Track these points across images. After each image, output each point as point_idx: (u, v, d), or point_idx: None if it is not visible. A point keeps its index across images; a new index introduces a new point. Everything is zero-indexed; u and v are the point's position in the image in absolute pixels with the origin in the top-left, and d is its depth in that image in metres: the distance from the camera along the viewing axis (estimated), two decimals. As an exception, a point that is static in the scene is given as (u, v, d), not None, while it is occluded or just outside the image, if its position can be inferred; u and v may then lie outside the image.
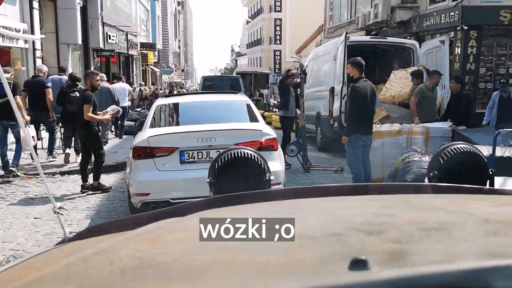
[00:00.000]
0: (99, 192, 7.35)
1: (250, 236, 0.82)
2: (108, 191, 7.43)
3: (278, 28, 48.07)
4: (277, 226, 0.83)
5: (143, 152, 5.38)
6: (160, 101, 7.06)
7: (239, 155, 2.27)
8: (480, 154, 2.30)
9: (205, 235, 0.84)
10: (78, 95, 8.38)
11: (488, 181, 2.33)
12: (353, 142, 6.19)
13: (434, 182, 2.18)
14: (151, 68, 35.53)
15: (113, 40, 19.85)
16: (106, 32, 18.87)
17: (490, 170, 2.33)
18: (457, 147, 2.28)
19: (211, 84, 18.64)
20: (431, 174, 2.31)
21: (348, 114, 6.35)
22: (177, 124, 6.35)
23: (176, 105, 6.83)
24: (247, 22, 61.56)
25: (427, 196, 1.35)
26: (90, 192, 7.29)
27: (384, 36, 10.84)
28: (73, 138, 9.33)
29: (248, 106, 6.51)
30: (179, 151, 5.40)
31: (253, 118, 6.16)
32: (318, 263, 0.68)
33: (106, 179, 8.16)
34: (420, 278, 0.55)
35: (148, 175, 5.33)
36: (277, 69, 44.91)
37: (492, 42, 13.86)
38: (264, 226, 0.85)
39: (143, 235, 1.01)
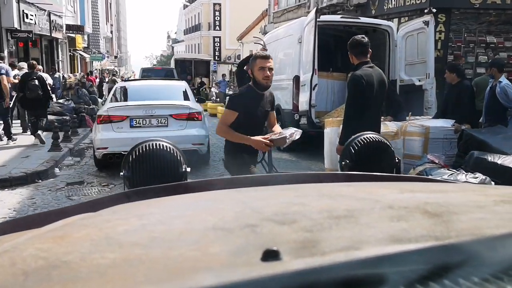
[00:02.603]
0: None
1: (162, 230, 0.83)
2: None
3: (217, 13, 45.99)
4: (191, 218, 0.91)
5: (104, 119, 7.61)
6: (118, 84, 10.00)
7: (154, 147, 2.22)
8: (388, 143, 2.46)
9: (115, 231, 0.85)
10: (37, 83, 9.82)
11: (394, 169, 2.48)
12: None
13: (346, 171, 2.26)
14: (80, 54, 32.52)
15: (31, 19, 17.14)
16: (23, 10, 16.17)
17: (396, 158, 2.51)
18: (367, 137, 2.41)
19: (149, 75, 20.62)
20: (343, 163, 2.37)
21: (344, 114, 4.56)
22: (129, 100, 8.29)
23: (129, 87, 9.03)
24: (185, 6, 59.02)
25: (338, 184, 1.40)
26: None
27: (357, 16, 9.18)
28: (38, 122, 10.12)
29: (182, 88, 8.96)
30: (129, 119, 7.65)
31: (186, 98, 8.54)
32: (231, 256, 0.66)
33: (8, 199, 6.03)
34: (329, 265, 0.56)
35: (107, 134, 7.53)
36: (216, 57, 43.01)
37: (460, 28, 12.67)
38: (178, 220, 0.91)
39: (50, 233, 0.94)
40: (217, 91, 24.80)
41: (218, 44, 45.41)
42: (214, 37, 45.98)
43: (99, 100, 18.72)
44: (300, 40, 8.84)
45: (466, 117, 6.51)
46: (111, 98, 8.63)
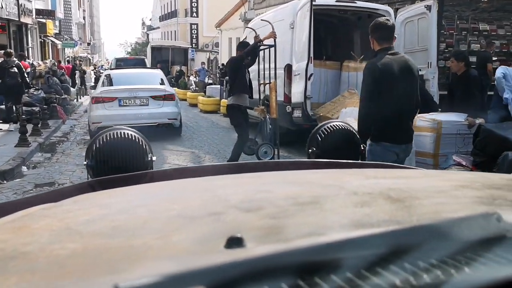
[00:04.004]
0: None
1: (124, 219, 0.82)
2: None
3: (194, -1, 44.86)
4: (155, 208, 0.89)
5: (97, 100, 9.74)
6: (106, 72, 12.61)
7: (118, 135, 2.14)
8: (353, 131, 2.48)
9: (76, 221, 0.84)
10: (16, 70, 11.00)
11: (360, 156, 2.51)
12: (374, 154, 3.82)
13: (313, 158, 2.31)
14: (51, 40, 31.16)
15: (-3, 3, 16.03)
16: (-13, -7, 15.08)
17: (361, 146, 2.58)
18: (333, 125, 2.43)
19: (121, 64, 21.67)
20: (310, 150, 2.39)
21: (358, 109, 3.92)
22: (117, 84, 10.30)
23: (116, 74, 11.37)
24: (160, -8, 57.52)
25: (304, 171, 1.38)
26: None
27: (353, 0, 8.52)
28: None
29: (159, 76, 11.40)
30: (118, 99, 9.73)
31: (162, 83, 10.82)
32: (195, 244, 0.65)
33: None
34: (292, 251, 0.55)
35: (100, 111, 9.55)
36: (194, 44, 41.94)
37: (453, 14, 12.14)
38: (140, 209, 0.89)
39: (9, 224, 0.91)
40: (196, 80, 23.95)
41: (196, 31, 44.30)
42: (191, 24, 44.79)
43: (72, 89, 17.75)
44: (292, 26, 8.16)
45: (478, 110, 5.94)
46: (102, 83, 10.74)
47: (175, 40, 44.38)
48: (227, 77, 7.67)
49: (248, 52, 6.60)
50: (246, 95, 6.66)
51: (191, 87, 22.58)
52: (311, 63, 7.46)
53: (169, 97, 10.16)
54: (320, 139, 2.37)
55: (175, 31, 48.38)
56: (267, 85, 7.34)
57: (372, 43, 3.79)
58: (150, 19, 74.49)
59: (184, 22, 45.83)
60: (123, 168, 2.01)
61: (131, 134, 2.19)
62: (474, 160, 5.30)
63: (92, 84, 24.39)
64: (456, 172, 1.47)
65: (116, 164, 2.09)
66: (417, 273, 0.51)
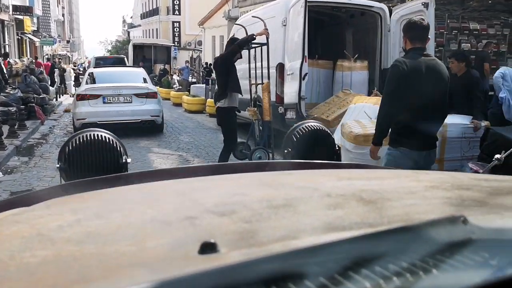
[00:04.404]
0: None
1: (98, 225, 0.80)
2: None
3: (176, -3, 44.26)
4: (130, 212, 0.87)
5: (82, 97, 10.10)
6: (89, 70, 12.32)
7: (92, 138, 2.13)
8: (328, 131, 2.49)
9: (47, 227, 0.82)
10: None
11: (335, 155, 2.47)
12: (390, 159, 3.54)
13: (289, 159, 2.29)
14: (29, 38, 30.30)
15: (-29, -2, 15.36)
16: (-39, -13, 14.42)
17: (336, 145, 2.53)
18: (308, 125, 2.44)
19: (101, 63, 21.20)
20: (285, 151, 2.39)
21: (379, 109, 3.71)
22: (101, 82, 10.54)
23: (100, 72, 11.49)
24: (141, -10, 56.69)
25: (279, 173, 1.38)
26: None
27: (345, -4, 8.20)
28: None
29: (141, 74, 11.57)
30: (102, 97, 10.05)
31: (144, 81, 11.10)
32: (169, 250, 0.65)
33: None
34: (266, 255, 0.55)
35: (85, 108, 9.90)
36: (176, 42, 41.37)
37: (443, 13, 11.93)
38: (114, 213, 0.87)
39: None
40: (179, 79, 23.45)
41: (178, 29, 43.79)
42: (173, 22, 44.28)
43: (51, 88, 17.15)
44: (284, 23, 7.79)
45: (483, 112, 5.67)
46: (86, 81, 11.04)
47: (157, 38, 43.76)
48: (215, 76, 7.12)
49: (242, 44, 6.19)
50: (238, 95, 6.25)
51: (174, 86, 22.09)
52: (305, 62, 7.11)
53: (151, 95, 10.52)
54: (295, 139, 2.38)
55: (157, 29, 47.75)
56: (259, 86, 6.97)
57: (404, 42, 3.64)
58: (131, 17, 73.65)
59: (166, 20, 45.28)
60: (97, 170, 1.99)
61: (104, 136, 2.15)
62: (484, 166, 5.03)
63: (73, 82, 23.81)
64: (428, 172, 1.50)
65: (90, 166, 2.06)
66: (388, 277, 0.51)
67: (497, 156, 2.98)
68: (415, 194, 0.93)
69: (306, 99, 7.74)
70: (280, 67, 7.79)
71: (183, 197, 0.98)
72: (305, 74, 7.12)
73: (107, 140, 2.15)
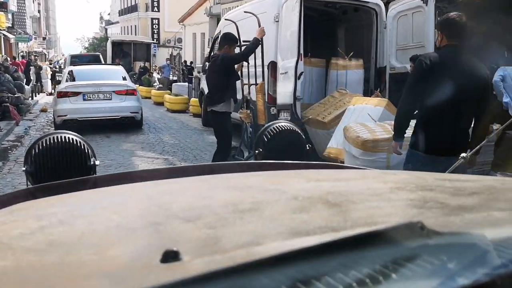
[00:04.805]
0: None
1: (61, 232, 0.79)
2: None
3: (155, -7, 43.49)
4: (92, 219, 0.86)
5: (63, 94, 10.44)
6: (69, 68, 12.65)
7: (59, 140, 2.10)
8: (299, 131, 2.49)
9: (9, 234, 0.80)
10: None
11: (306, 155, 2.45)
12: (407, 162, 3.39)
13: (260, 159, 2.31)
14: (3, 34, 29.37)
15: None
16: None
17: (307, 145, 2.51)
18: (279, 125, 2.45)
19: (76, 60, 20.71)
20: (256, 151, 2.40)
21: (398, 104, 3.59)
22: (81, 80, 10.86)
23: (80, 70, 11.83)
24: (119, -14, 55.69)
25: (248, 174, 1.39)
26: None
27: (342, -9, 7.83)
28: None
29: (121, 72, 12.00)
30: (82, 94, 10.42)
31: (123, 79, 11.49)
32: (131, 259, 0.63)
33: None
34: (229, 263, 0.55)
35: (65, 105, 10.25)
36: (155, 40, 40.64)
37: (448, 11, 11.67)
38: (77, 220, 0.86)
39: None
40: (160, 77, 22.86)
41: (157, 26, 43.04)
42: (152, 19, 43.50)
43: (26, 87, 16.45)
44: (277, 19, 7.37)
45: (494, 114, 5.34)
46: (66, 79, 11.30)
47: (136, 35, 42.97)
48: (208, 76, 6.48)
49: (250, 53, 5.77)
50: (233, 100, 5.84)
51: (154, 84, 21.50)
52: (301, 60, 6.71)
53: (131, 92, 10.86)
54: (266, 140, 2.38)
55: (135, 25, 46.92)
56: (252, 86, 6.55)
57: (440, 39, 3.40)
58: (109, 14, 72.66)
59: (145, 17, 44.51)
60: (64, 173, 1.95)
61: (72, 138, 2.13)
62: (495, 171, 4.71)
63: (49, 80, 23.03)
64: (395, 172, 1.45)
65: (57, 169, 2.03)
66: (350, 284, 0.52)
67: (463, 154, 2.85)
68: (380, 196, 0.93)
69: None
70: (273, 66, 7.36)
71: (150, 202, 0.97)
72: (301, 73, 6.72)
73: (74, 142, 2.12)
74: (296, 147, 2.43)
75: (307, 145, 2.50)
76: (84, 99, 10.35)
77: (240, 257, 0.57)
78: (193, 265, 0.57)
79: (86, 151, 2.14)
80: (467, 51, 3.44)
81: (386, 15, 7.90)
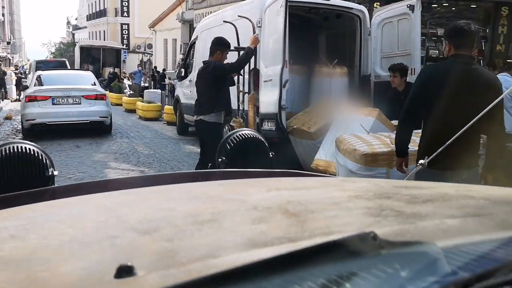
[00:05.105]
0: None
1: (12, 248, 0.75)
2: None
3: (125, -2, 42.77)
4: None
5: (31, 98, 10.44)
6: (37, 73, 12.35)
7: (14, 150, 2.02)
8: (261, 139, 2.49)
9: None
10: None
11: (269, 163, 2.45)
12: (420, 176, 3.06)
13: (223, 168, 2.29)
14: (-36, 38, 28.27)
15: None
16: None
17: (270, 153, 2.49)
18: (242, 133, 2.44)
19: (42, 66, 20.36)
20: (219, 160, 2.38)
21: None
22: (50, 84, 10.94)
23: (48, 75, 11.91)
24: (87, -10, 54.62)
25: (210, 184, 1.39)
26: None
27: (322, -3, 7.56)
28: None
29: (90, 77, 12.28)
30: (51, 98, 10.42)
31: (93, 83, 11.69)
32: (84, 275, 0.61)
33: None
34: (185, 277, 0.54)
35: (34, 109, 10.21)
36: (125, 45, 39.93)
37: (425, 19, 11.60)
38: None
39: None
40: (131, 83, 22.26)
41: (127, 32, 42.38)
42: (121, 24, 42.81)
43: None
44: (259, 24, 7.05)
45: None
46: (35, 83, 11.30)
47: (105, 40, 42.12)
48: (198, 83, 5.91)
49: (240, 66, 5.45)
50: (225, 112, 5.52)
51: (125, 90, 20.90)
52: (286, 67, 6.40)
53: (100, 97, 10.92)
54: (229, 148, 2.35)
55: (104, 31, 46.11)
56: (246, 95, 6.25)
57: (447, 49, 3.24)
58: (76, 18, 71.40)
59: (114, 22, 43.80)
60: (20, 184, 1.92)
61: (29, 148, 2.07)
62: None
63: (14, 86, 22.16)
64: (355, 179, 1.43)
65: (12, 180, 1.98)
66: None
67: (421, 161, 2.82)
68: (338, 205, 0.93)
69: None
70: (255, 73, 7.04)
71: (107, 213, 0.94)
72: (286, 81, 6.41)
73: (31, 152, 2.05)
74: (259, 155, 2.44)
75: (270, 153, 2.50)
76: (53, 103, 10.38)
77: (196, 270, 0.57)
78: (148, 279, 0.56)
79: (44, 161, 2.07)
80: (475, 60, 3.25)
81: (370, 22, 7.71)
